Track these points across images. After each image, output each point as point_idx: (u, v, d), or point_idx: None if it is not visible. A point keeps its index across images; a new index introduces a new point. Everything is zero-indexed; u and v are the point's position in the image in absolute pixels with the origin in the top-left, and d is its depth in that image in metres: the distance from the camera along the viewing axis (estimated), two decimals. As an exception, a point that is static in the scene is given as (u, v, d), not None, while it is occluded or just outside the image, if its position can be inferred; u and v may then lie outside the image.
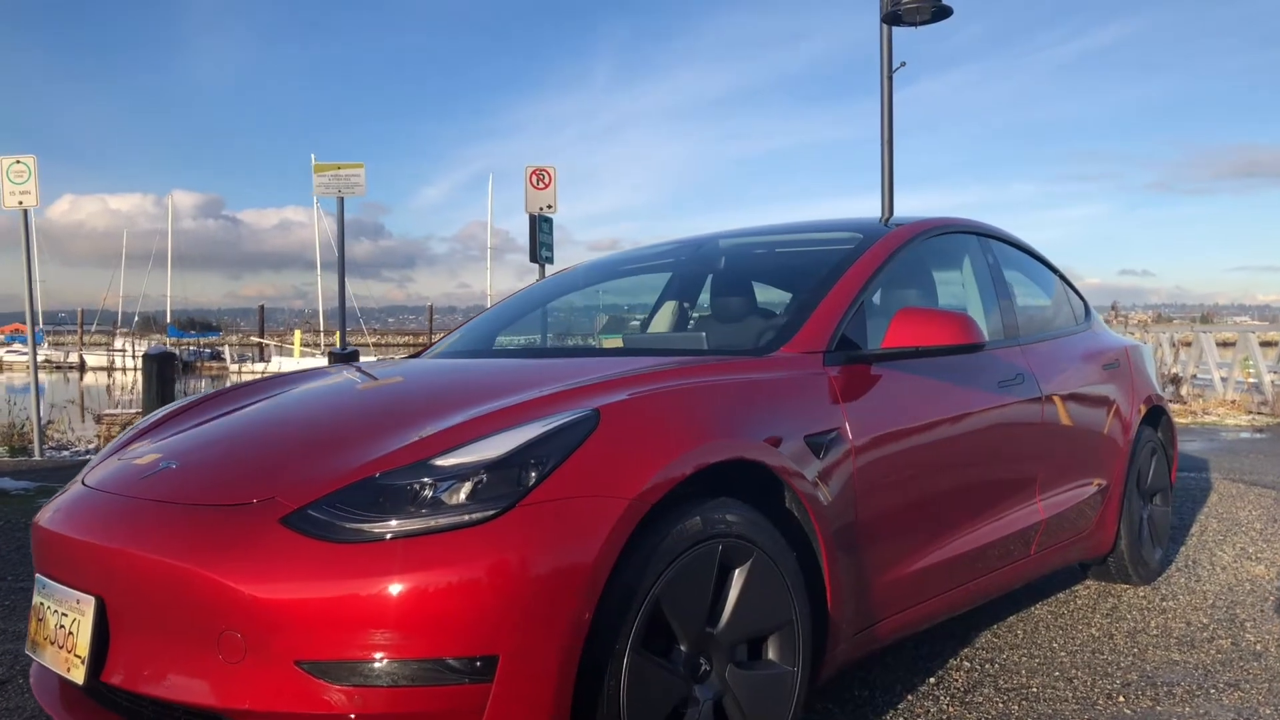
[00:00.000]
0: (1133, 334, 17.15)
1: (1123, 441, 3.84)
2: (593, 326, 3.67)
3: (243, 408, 2.48)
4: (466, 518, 1.71)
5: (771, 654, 2.13)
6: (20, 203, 8.44)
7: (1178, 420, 12.26)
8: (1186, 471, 7.42)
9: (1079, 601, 3.85)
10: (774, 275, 3.23)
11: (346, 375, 2.76)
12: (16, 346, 56.18)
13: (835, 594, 2.30)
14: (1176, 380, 15.01)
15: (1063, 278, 4.23)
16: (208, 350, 50.09)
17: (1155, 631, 3.45)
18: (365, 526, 1.72)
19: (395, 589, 1.65)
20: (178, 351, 42.95)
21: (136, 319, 62.44)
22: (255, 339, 52.63)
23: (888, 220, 3.53)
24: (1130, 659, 3.15)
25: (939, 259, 3.49)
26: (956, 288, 3.52)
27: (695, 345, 2.97)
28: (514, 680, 1.66)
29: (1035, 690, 2.86)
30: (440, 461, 1.81)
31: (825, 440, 2.31)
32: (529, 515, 1.72)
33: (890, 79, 9.35)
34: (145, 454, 2.23)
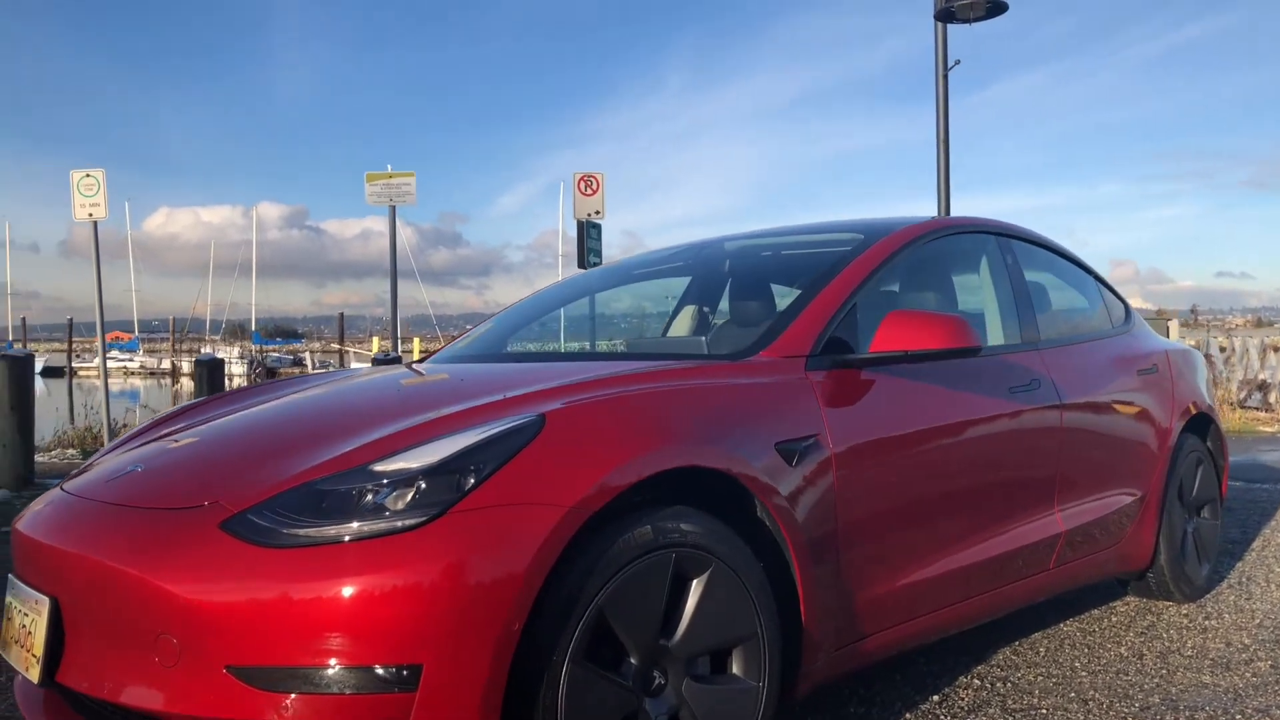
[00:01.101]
0: (1214, 338, 16.41)
1: (1160, 450, 3.64)
2: (598, 330, 3.63)
3: (228, 413, 2.51)
4: (397, 524, 1.68)
5: (736, 668, 2.06)
6: (90, 215, 8.77)
7: (1263, 429, 11.71)
8: (1260, 483, 7.06)
9: (1114, 619, 3.67)
10: (772, 278, 3.15)
11: (332, 381, 2.77)
12: (114, 353, 58.91)
13: (810, 607, 2.21)
14: (1264, 386, 14.32)
15: (1099, 280, 4.05)
16: (290, 356, 51.61)
17: (1190, 652, 3.26)
18: (298, 531, 1.71)
19: (322, 595, 1.63)
20: (261, 359, 44.35)
21: (224, 326, 64.65)
22: (335, 345, 54.03)
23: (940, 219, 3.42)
24: (1156, 681, 2.98)
25: (953, 260, 3.37)
26: (975, 290, 3.39)
27: (687, 350, 2.91)
28: (438, 691, 1.63)
29: (1045, 712, 2.72)
30: (379, 467, 1.79)
31: (800, 447, 2.23)
32: (458, 523, 1.69)
33: (945, 77, 9.11)
34: (122, 459, 2.27)
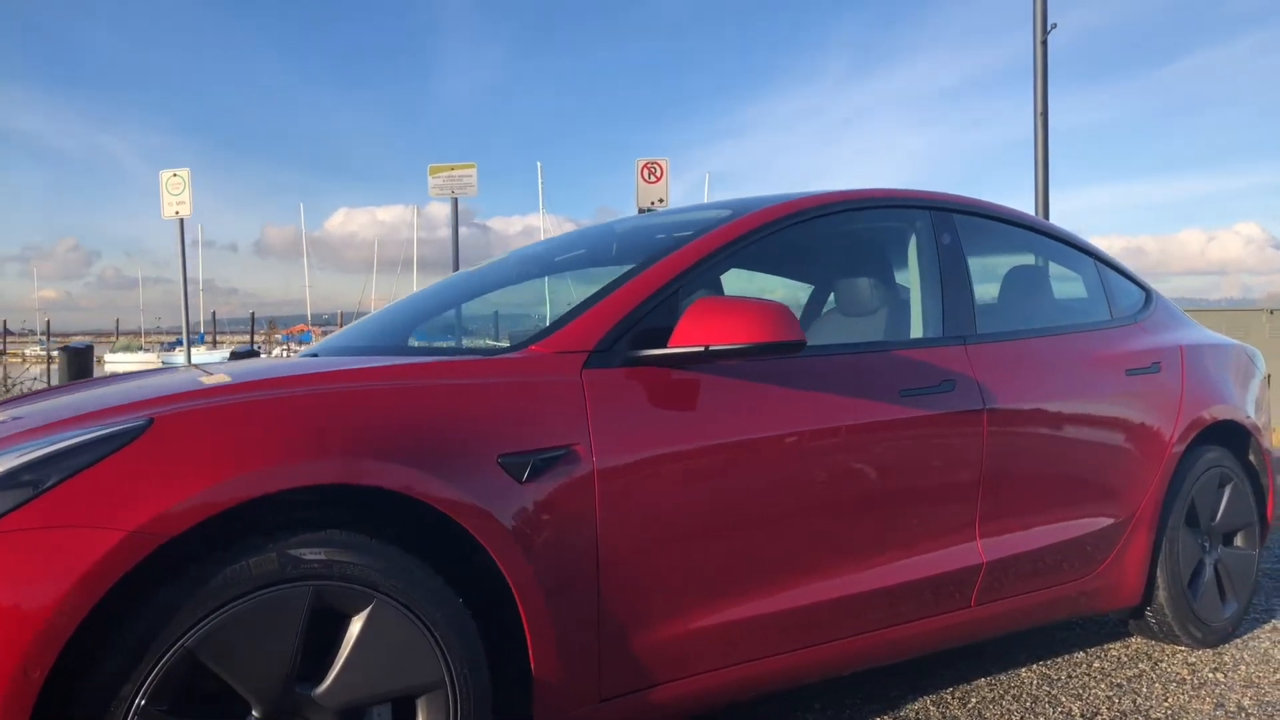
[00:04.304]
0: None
1: (1154, 465, 3.03)
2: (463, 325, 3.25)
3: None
4: None
5: (421, 723, 1.74)
6: (177, 212, 9.14)
7: None
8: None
9: (1098, 664, 3.09)
10: (624, 263, 2.76)
11: (115, 381, 2.58)
12: (292, 345, 63.04)
13: (547, 651, 1.87)
14: None
15: (1105, 263, 3.43)
16: (445, 349, 53.53)
17: (1160, 714, 2.67)
18: None
19: None
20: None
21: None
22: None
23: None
24: (1089, 750, 2.44)
25: (875, 241, 2.89)
26: (904, 274, 2.90)
27: (486, 346, 2.58)
28: None
29: (917, 782, 2.26)
30: None
31: (535, 460, 1.88)
32: None
33: (1044, 44, 8.28)
34: None
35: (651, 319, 2.19)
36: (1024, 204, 9.00)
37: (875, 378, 2.45)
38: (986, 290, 3.08)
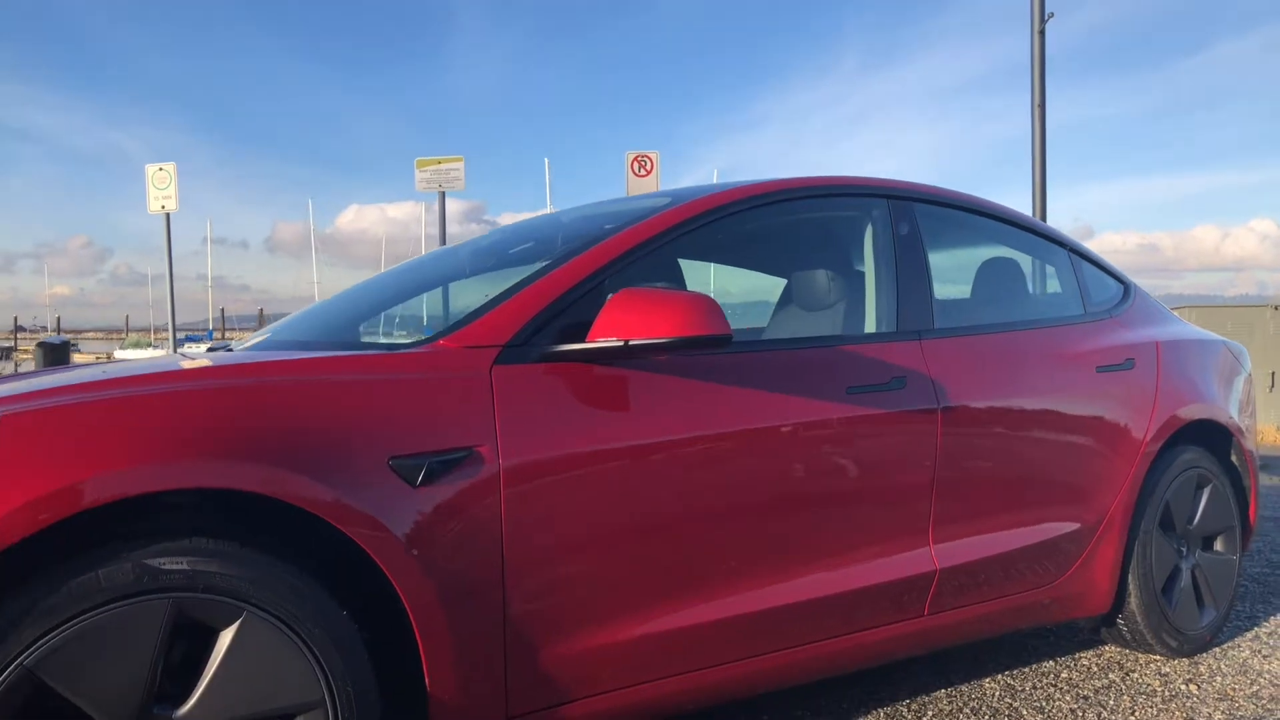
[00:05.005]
0: None
1: (1125, 466, 2.89)
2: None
3: None
4: None
5: (299, 744, 1.62)
6: (163, 206, 9.05)
7: None
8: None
9: (1066, 674, 2.95)
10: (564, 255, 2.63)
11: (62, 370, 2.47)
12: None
13: (440, 667, 1.74)
14: None
15: (1080, 254, 3.28)
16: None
17: (1124, 729, 2.54)
18: None
19: None
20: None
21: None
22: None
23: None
24: (1045, 768, 2.31)
25: (823, 229, 2.76)
26: (860, 266, 2.77)
27: (388, 341, 2.45)
28: None
29: (856, 804, 2.13)
30: None
31: (431, 463, 1.75)
32: None
33: (1042, 34, 8.11)
34: None
35: (575, 313, 2.06)
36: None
37: (819, 374, 2.32)
38: (951, 284, 2.95)
